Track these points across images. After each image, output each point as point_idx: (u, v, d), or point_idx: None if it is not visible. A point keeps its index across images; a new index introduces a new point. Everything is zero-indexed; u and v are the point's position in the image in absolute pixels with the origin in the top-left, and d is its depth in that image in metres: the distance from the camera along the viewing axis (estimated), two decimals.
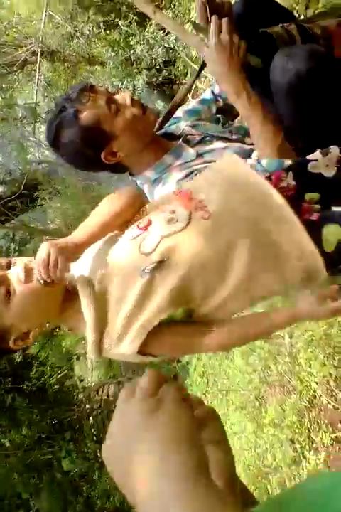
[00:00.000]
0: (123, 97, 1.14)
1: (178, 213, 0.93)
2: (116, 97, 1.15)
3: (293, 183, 0.96)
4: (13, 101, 5.20)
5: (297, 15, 2.19)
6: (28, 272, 0.89)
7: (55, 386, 6.79)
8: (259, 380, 2.81)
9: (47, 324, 0.91)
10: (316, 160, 1.00)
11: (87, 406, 7.26)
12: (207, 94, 1.36)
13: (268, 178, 0.97)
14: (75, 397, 7.38)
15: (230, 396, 3.23)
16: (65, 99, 1.14)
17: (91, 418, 7.19)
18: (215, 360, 3.66)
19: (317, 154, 1.00)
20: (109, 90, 1.17)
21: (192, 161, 1.18)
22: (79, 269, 0.98)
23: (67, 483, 6.08)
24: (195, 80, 1.35)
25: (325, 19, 1.21)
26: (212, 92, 1.35)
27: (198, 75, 1.31)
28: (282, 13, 1.26)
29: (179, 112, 1.33)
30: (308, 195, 0.97)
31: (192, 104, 1.37)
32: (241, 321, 0.88)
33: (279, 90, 1.05)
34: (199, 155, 1.20)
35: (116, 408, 0.48)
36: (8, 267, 0.93)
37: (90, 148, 1.14)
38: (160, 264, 0.86)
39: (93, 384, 7.78)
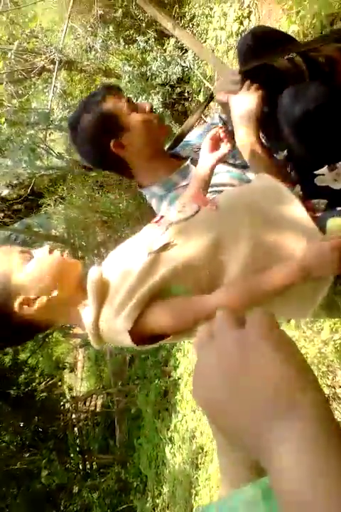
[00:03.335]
0: (144, 104, 1.29)
1: (188, 206, 0.98)
2: (138, 102, 1.31)
3: (301, 192, 1.00)
4: (28, 105, 5.30)
5: None
6: (52, 249, 0.94)
7: (43, 394, 6.66)
8: None
9: (55, 293, 0.89)
10: (323, 174, 1.03)
11: (74, 416, 7.10)
12: (216, 119, 1.44)
13: None
14: (62, 407, 7.23)
15: None
16: (94, 92, 1.31)
17: (76, 429, 7.02)
18: None
19: (324, 169, 1.04)
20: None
21: None
22: None
23: (45, 495, 5.89)
24: (202, 110, 1.43)
25: (326, 45, 1.27)
26: (220, 116, 1.43)
27: (205, 106, 1.40)
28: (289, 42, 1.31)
29: (191, 136, 1.41)
30: (315, 201, 0.99)
31: (203, 127, 1.45)
32: (243, 279, 0.86)
33: (288, 126, 1.10)
34: None
35: (198, 353, 0.42)
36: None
37: (103, 133, 1.24)
38: (166, 245, 0.89)
39: (81, 394, 7.65)
